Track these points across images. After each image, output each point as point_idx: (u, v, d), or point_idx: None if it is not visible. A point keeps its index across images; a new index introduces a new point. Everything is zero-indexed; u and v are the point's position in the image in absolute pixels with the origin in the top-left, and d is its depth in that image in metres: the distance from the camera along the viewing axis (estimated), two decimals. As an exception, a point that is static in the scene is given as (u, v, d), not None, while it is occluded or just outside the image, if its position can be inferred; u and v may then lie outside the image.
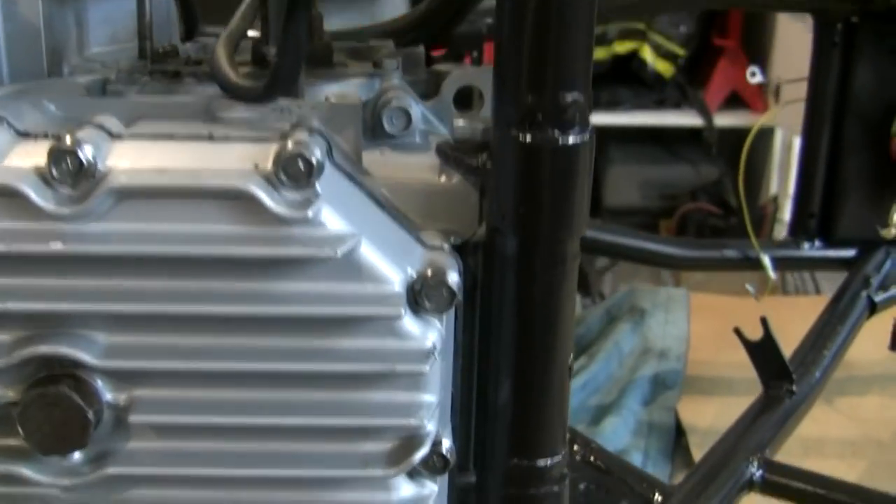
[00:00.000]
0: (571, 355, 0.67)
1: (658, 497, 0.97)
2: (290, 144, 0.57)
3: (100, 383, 0.59)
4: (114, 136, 0.59)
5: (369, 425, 0.60)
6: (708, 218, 3.12)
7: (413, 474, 0.63)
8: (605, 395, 1.47)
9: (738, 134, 3.04)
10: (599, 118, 3.26)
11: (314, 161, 0.56)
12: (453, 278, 0.60)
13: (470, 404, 0.71)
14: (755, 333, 1.27)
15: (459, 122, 0.68)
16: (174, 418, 0.60)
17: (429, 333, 0.60)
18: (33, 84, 0.75)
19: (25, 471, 0.60)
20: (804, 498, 1.03)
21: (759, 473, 1.03)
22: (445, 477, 0.66)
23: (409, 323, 0.60)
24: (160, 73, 0.81)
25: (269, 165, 0.57)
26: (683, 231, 3.03)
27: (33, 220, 0.56)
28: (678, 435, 1.41)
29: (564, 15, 0.59)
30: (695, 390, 1.49)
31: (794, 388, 1.15)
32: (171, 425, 0.61)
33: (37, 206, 0.56)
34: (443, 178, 0.67)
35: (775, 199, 3.01)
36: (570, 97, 0.61)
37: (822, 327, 1.29)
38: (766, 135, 3.25)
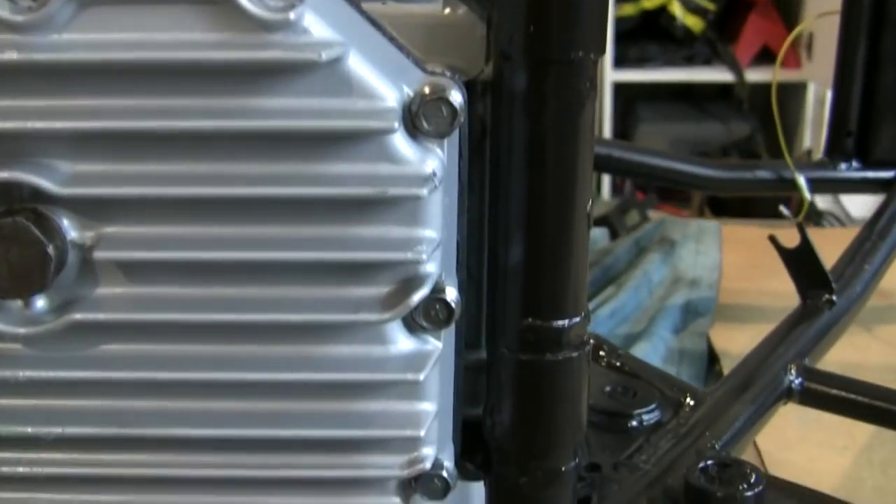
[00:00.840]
0: (591, 202, 0.60)
1: (689, 401, 0.90)
2: (270, -57, 0.50)
3: (63, 218, 0.53)
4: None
5: (362, 261, 0.54)
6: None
7: (413, 327, 0.57)
8: (635, 324, 1.40)
9: (770, 90, 2.96)
10: (628, 75, 3.19)
11: (298, -40, 0.50)
12: (455, 96, 0.53)
13: (481, 273, 0.65)
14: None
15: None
16: (145, 254, 0.54)
17: (427, 160, 0.53)
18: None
19: (-20, 316, 0.55)
20: (847, 407, 0.96)
21: (798, 381, 0.96)
22: (452, 335, 0.59)
23: (405, 146, 0.53)
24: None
25: (247, -34, 0.51)
26: (715, 190, 2.96)
27: (-16, 28, 0.50)
28: (711, 362, 1.34)
29: None
30: (727, 318, 1.42)
31: (835, 298, 1.08)
32: (141, 263, 0.54)
33: (-12, 13, 0.50)
34: (447, 10, 0.61)
35: (809, 153, 2.93)
36: None
37: (861, 243, 1.22)
38: (798, 89, 3.17)
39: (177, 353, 0.56)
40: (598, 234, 1.68)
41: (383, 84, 0.52)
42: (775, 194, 1.45)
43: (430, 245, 0.54)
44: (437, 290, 0.56)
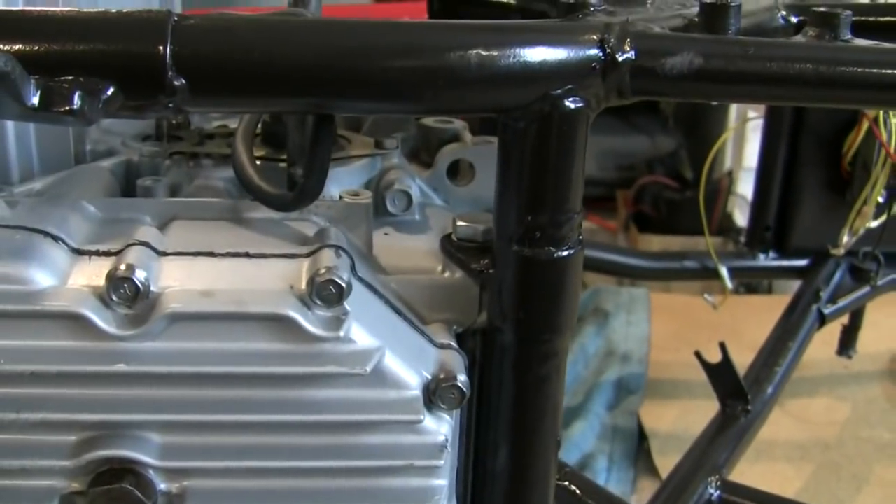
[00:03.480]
0: (560, 430, 0.76)
1: (628, 521, 1.07)
2: (321, 269, 0.65)
3: (155, 477, 0.67)
4: (160, 255, 0.67)
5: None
6: (664, 190, 3.20)
7: (425, 546, 0.72)
8: (573, 397, 1.56)
9: (694, 106, 3.12)
10: (559, 91, 3.31)
11: (343, 284, 0.64)
12: (462, 378, 0.68)
13: (468, 469, 0.80)
14: (712, 334, 1.37)
15: (461, 223, 0.76)
16: (220, 504, 0.69)
17: (441, 427, 0.69)
18: (65, 179, 0.82)
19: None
20: (758, 516, 1.14)
21: (717, 495, 1.13)
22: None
23: (427, 419, 0.68)
24: (179, 154, 0.88)
25: (303, 286, 0.65)
26: (640, 202, 3.11)
27: (97, 341, 0.64)
28: (640, 439, 1.51)
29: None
30: (656, 394, 1.59)
31: (749, 406, 1.25)
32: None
33: (100, 329, 0.63)
34: (446, 274, 0.76)
35: (730, 174, 3.10)
36: (565, 217, 0.69)
37: (773, 343, 1.40)
38: (720, 108, 3.33)
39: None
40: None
41: (409, 373, 0.67)
42: (701, 280, 1.61)
43: (443, 493, 0.69)
44: (449, 521, 0.72)
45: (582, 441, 1.45)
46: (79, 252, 0.67)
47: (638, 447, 1.48)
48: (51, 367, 0.64)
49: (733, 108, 3.27)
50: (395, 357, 0.67)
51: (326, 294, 0.65)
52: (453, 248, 0.76)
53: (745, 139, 3.06)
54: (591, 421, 1.49)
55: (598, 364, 1.63)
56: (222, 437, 0.67)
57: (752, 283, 2.04)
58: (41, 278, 0.64)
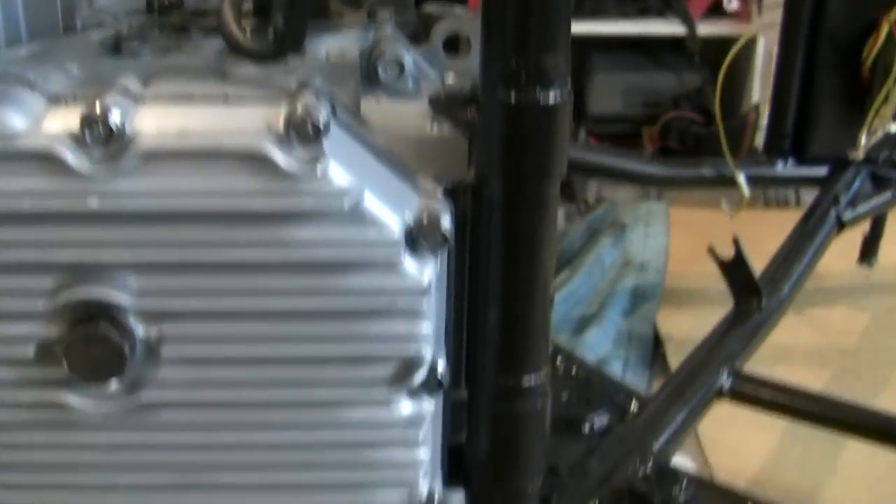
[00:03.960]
0: (552, 284, 0.75)
1: (634, 406, 1.05)
2: (299, 108, 0.63)
3: (133, 322, 0.66)
4: (137, 99, 0.66)
5: (373, 354, 0.68)
6: (690, 125, 3.16)
7: (412, 394, 0.71)
8: (588, 307, 1.55)
9: (721, 43, 3.08)
10: (583, 27, 3.29)
11: (321, 123, 0.63)
12: (446, 223, 0.67)
13: (461, 327, 0.79)
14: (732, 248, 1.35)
15: (450, 78, 0.75)
16: (198, 350, 0.68)
17: (425, 271, 0.68)
18: (53, 43, 0.81)
19: (69, 398, 0.68)
20: (770, 405, 1.12)
21: (728, 383, 1.11)
22: (441, 395, 0.74)
23: (408, 262, 0.67)
24: (168, 27, 0.87)
25: (280, 126, 0.64)
26: (666, 138, 3.08)
27: (70, 180, 0.63)
28: (656, 344, 1.49)
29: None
30: (672, 302, 1.58)
31: (764, 302, 1.23)
32: (195, 356, 0.68)
33: (73, 168, 0.63)
34: (435, 128, 0.74)
35: (757, 108, 3.05)
36: (551, 60, 0.67)
37: (791, 244, 1.37)
38: (748, 44, 3.28)
39: (223, 420, 0.70)
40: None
41: (390, 214, 0.66)
42: (718, 189, 1.59)
43: (427, 338, 0.69)
44: (431, 367, 0.70)
45: (597, 345, 1.44)
46: (55, 98, 0.66)
47: (654, 352, 1.47)
48: (24, 207, 0.63)
49: (760, 44, 3.23)
50: (376, 198, 0.66)
51: (304, 132, 0.64)
52: (441, 102, 0.74)
53: (771, 74, 3.02)
54: (606, 327, 1.47)
55: (615, 274, 1.62)
56: (200, 279, 0.66)
57: (780, 199, 2.01)
58: (16, 121, 0.64)
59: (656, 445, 0.99)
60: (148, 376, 0.69)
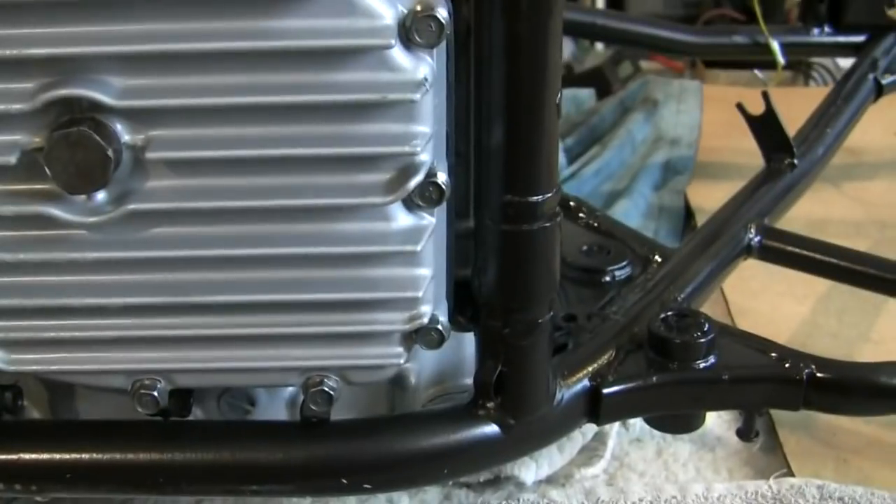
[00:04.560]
0: (560, 94, 0.70)
1: (657, 258, 1.02)
2: None
3: (118, 125, 0.63)
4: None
5: (366, 154, 0.65)
6: (731, 24, 3.08)
7: (410, 206, 0.68)
8: (618, 182, 1.50)
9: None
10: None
11: None
12: (442, 13, 0.63)
13: (469, 154, 0.75)
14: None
15: None
16: (186, 154, 0.65)
17: (420, 67, 0.64)
18: None
19: (54, 211, 0.66)
20: (801, 262, 1.07)
21: (757, 239, 1.07)
22: (444, 211, 0.70)
23: (401, 56, 0.63)
24: None
25: None
26: (707, 37, 3.00)
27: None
28: (687, 217, 1.45)
29: None
30: (704, 175, 1.53)
31: (796, 161, 1.18)
32: (183, 161, 0.65)
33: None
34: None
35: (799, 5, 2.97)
36: None
37: (826, 107, 1.32)
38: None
39: (215, 233, 0.67)
40: (585, 95, 1.77)
41: (381, 4, 0.62)
42: (751, 58, 1.53)
43: (424, 138, 0.65)
44: (430, 174, 0.67)
45: (626, 218, 1.39)
46: None
47: (685, 224, 1.43)
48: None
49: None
50: (365, -12, 0.62)
51: None
52: None
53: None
54: (636, 200, 1.43)
55: (646, 150, 1.57)
56: (184, 75, 0.63)
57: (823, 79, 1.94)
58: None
59: (680, 297, 0.95)
60: (135, 188, 0.66)
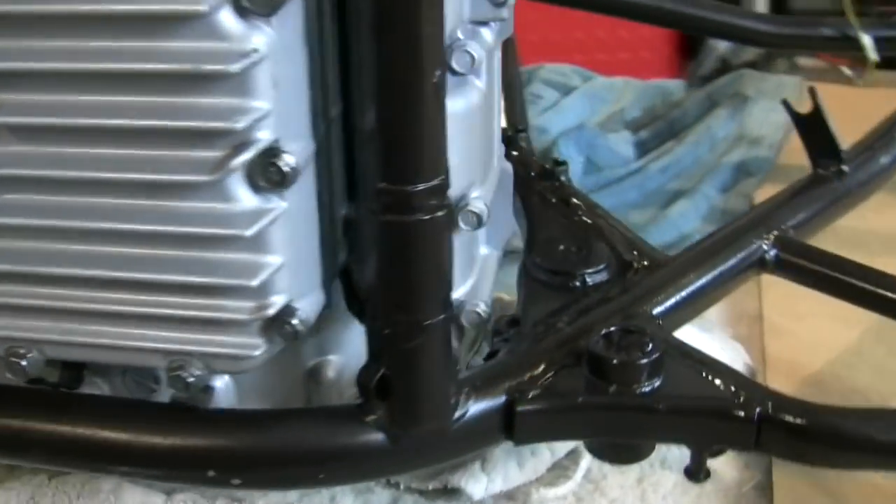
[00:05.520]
0: (440, 72, 0.62)
1: (644, 264, 0.92)
2: None
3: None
4: None
5: (193, 129, 0.60)
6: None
7: (257, 188, 0.62)
8: (687, 180, 1.40)
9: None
10: None
11: None
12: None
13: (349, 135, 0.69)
14: (863, 123, 1.17)
15: None
16: (22, 120, 0.62)
17: (253, 36, 0.58)
18: None
19: None
20: (820, 282, 0.95)
21: (773, 252, 0.95)
22: (305, 194, 0.64)
23: (232, 23, 0.58)
24: None
25: None
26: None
27: None
28: (750, 224, 1.33)
29: None
30: (778, 178, 1.40)
31: (845, 168, 1.05)
32: (20, 126, 0.62)
33: None
34: None
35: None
36: None
37: (905, 112, 1.18)
38: None
39: (54, 203, 0.64)
40: (673, 86, 1.65)
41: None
42: (838, 53, 1.39)
43: (257, 114, 0.59)
44: (272, 154, 0.61)
45: (681, 221, 1.29)
46: None
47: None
48: None
49: None
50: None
51: None
52: None
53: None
54: (698, 201, 1.32)
55: (727, 147, 1.45)
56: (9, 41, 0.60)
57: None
58: None
59: (655, 311, 0.85)
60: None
